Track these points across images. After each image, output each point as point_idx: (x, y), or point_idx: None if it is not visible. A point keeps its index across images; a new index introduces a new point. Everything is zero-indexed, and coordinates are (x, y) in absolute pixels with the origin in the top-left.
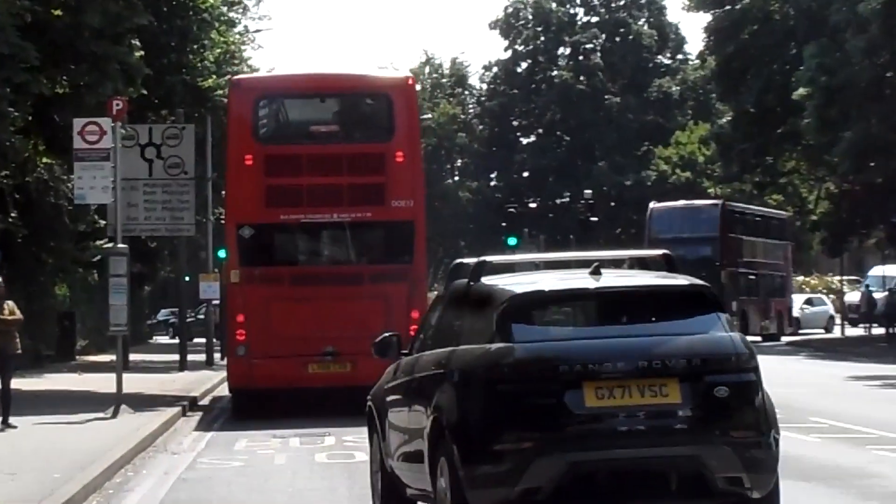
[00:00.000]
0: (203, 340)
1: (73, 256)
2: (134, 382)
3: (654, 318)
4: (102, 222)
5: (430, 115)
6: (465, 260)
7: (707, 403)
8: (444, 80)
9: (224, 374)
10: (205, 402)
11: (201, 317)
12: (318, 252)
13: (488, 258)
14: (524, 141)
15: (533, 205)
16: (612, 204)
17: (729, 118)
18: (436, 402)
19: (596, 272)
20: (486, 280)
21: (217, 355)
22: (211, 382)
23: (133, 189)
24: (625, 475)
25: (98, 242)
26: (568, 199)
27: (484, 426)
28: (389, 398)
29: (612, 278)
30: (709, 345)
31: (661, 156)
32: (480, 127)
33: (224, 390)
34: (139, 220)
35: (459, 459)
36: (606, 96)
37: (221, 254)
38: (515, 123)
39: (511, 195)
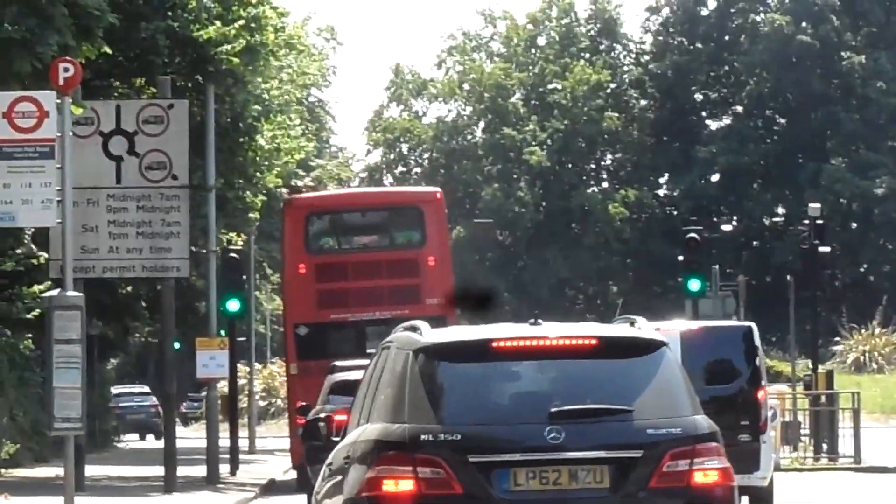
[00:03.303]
0: (201, 443)
1: None
2: None
3: None
4: (42, 256)
5: (556, 86)
6: None
7: None
8: (579, 28)
9: (238, 498)
10: None
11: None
12: (363, 346)
13: None
14: (713, 126)
15: (727, 227)
16: (854, 225)
17: None
18: None
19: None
20: None
21: (225, 466)
22: None
23: (92, 204)
24: None
25: (35, 288)
26: (782, 219)
27: None
28: None
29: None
30: None
31: None
32: (642, 103)
33: None
34: (101, 253)
35: None
36: (844, 53)
37: (232, 305)
38: (699, 98)
39: (692, 211)
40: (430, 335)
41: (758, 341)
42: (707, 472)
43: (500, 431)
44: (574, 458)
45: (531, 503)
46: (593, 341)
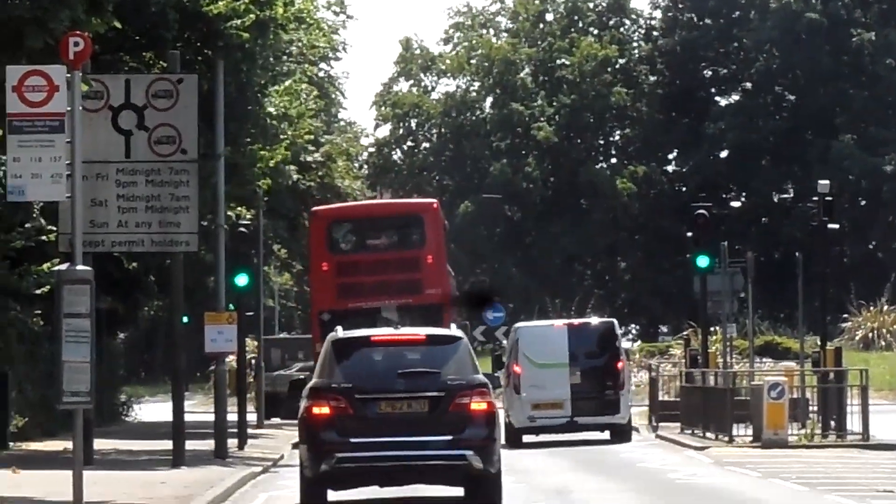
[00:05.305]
0: (209, 416)
1: (5, 285)
2: (100, 486)
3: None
4: (52, 231)
5: (564, 61)
6: None
7: None
8: (587, 3)
9: (245, 472)
10: None
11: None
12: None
13: None
14: (721, 102)
15: (736, 203)
16: (863, 202)
17: None
18: None
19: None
20: None
21: (233, 440)
22: (223, 486)
23: (101, 178)
24: None
25: (45, 265)
26: (791, 196)
27: None
28: None
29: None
30: None
31: None
32: (651, 79)
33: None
34: (110, 227)
35: None
36: (854, 30)
37: (240, 280)
38: (708, 74)
39: (701, 188)
40: (342, 333)
41: (618, 331)
42: (479, 403)
43: (372, 382)
44: (410, 396)
45: (387, 420)
46: (423, 337)
